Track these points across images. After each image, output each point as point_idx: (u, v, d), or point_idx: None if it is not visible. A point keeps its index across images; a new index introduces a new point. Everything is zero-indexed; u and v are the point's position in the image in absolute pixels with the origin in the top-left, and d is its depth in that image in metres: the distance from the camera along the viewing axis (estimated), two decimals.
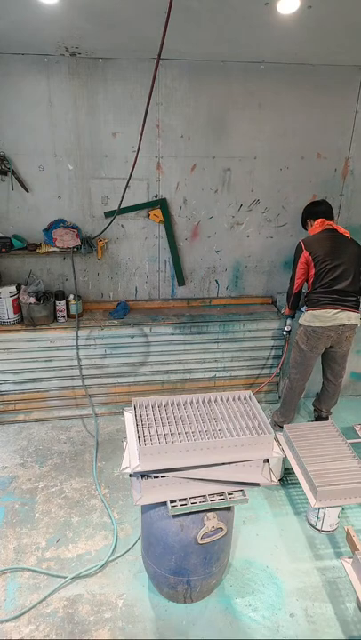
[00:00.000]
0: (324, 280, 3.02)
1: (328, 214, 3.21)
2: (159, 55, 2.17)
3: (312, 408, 3.65)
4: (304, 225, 3.37)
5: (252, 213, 3.63)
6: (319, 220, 3.15)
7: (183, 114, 3.25)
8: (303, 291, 3.29)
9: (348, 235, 3.13)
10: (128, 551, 2.53)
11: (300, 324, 3.16)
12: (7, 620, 2.16)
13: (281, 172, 3.53)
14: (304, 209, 3.34)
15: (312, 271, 3.07)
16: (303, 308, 3.30)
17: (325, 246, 3.04)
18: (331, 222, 3.16)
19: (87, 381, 3.61)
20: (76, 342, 3.43)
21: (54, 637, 2.10)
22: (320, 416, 3.54)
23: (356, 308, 3.07)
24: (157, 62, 2.25)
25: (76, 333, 3.41)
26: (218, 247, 3.72)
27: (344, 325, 3.03)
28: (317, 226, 3.15)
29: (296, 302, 3.39)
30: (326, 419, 3.50)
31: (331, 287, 3.01)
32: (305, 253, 3.08)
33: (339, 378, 3.36)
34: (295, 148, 3.46)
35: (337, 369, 3.32)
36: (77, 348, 3.44)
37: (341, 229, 3.14)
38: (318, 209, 3.23)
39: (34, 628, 2.13)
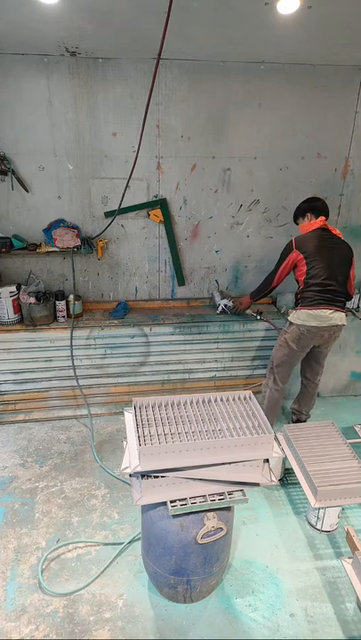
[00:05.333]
0: (318, 279, 2.98)
1: (328, 213, 3.18)
2: (159, 55, 2.17)
3: (290, 411, 3.59)
4: (299, 218, 3.22)
5: (252, 213, 3.63)
6: (322, 218, 3.09)
7: (183, 114, 3.25)
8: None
9: (340, 236, 3.12)
10: (128, 551, 2.53)
11: (292, 323, 3.07)
12: (7, 621, 2.16)
13: (281, 172, 3.53)
14: (306, 201, 3.20)
15: (303, 269, 3.02)
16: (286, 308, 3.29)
17: (319, 245, 3.00)
18: (327, 222, 3.14)
19: (87, 381, 3.61)
20: (71, 343, 3.42)
21: (54, 637, 2.10)
22: (299, 419, 3.50)
23: (344, 308, 3.08)
24: (157, 62, 2.25)
25: (71, 334, 3.41)
26: (218, 247, 3.72)
27: (336, 326, 3.03)
28: (318, 222, 3.07)
29: (263, 296, 3.39)
30: (305, 421, 3.48)
31: (326, 287, 2.98)
32: (294, 252, 3.03)
33: (317, 376, 3.36)
34: (295, 147, 3.46)
35: (317, 368, 3.33)
36: (72, 348, 3.44)
37: (336, 231, 3.12)
38: (321, 205, 3.16)
39: (34, 628, 2.13)
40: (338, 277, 3.01)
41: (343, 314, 3.04)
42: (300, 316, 3.02)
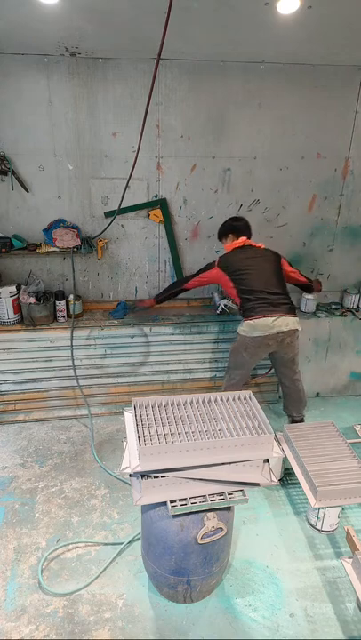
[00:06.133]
0: (249, 288, 3.01)
1: (249, 233, 3.22)
2: (159, 55, 2.17)
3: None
4: (222, 238, 3.28)
5: (252, 213, 3.63)
6: (243, 239, 3.16)
7: (183, 114, 3.26)
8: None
9: (262, 246, 3.18)
10: (128, 551, 2.53)
11: (239, 334, 3.09)
12: (7, 620, 2.16)
13: (281, 172, 3.53)
14: (229, 221, 3.26)
15: (230, 284, 3.08)
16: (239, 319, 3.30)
17: (240, 260, 3.08)
18: (249, 240, 3.19)
19: (87, 381, 3.61)
20: (71, 343, 3.42)
21: (54, 637, 2.10)
22: (294, 420, 3.46)
23: (292, 312, 3.03)
24: (157, 62, 2.25)
25: (71, 334, 3.41)
26: (218, 247, 3.71)
27: (283, 332, 2.96)
28: (239, 242, 3.15)
29: (168, 299, 3.43)
30: (301, 421, 3.46)
31: (259, 294, 2.99)
32: (215, 269, 3.12)
33: (294, 381, 3.28)
34: (295, 147, 3.46)
35: (288, 373, 3.24)
36: (72, 348, 3.44)
37: (258, 244, 3.18)
38: (242, 225, 3.21)
39: (34, 628, 2.13)
40: (271, 283, 3.03)
41: (291, 318, 2.99)
42: (244, 328, 3.04)
